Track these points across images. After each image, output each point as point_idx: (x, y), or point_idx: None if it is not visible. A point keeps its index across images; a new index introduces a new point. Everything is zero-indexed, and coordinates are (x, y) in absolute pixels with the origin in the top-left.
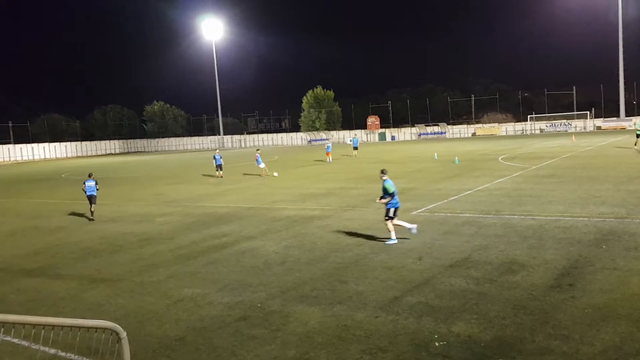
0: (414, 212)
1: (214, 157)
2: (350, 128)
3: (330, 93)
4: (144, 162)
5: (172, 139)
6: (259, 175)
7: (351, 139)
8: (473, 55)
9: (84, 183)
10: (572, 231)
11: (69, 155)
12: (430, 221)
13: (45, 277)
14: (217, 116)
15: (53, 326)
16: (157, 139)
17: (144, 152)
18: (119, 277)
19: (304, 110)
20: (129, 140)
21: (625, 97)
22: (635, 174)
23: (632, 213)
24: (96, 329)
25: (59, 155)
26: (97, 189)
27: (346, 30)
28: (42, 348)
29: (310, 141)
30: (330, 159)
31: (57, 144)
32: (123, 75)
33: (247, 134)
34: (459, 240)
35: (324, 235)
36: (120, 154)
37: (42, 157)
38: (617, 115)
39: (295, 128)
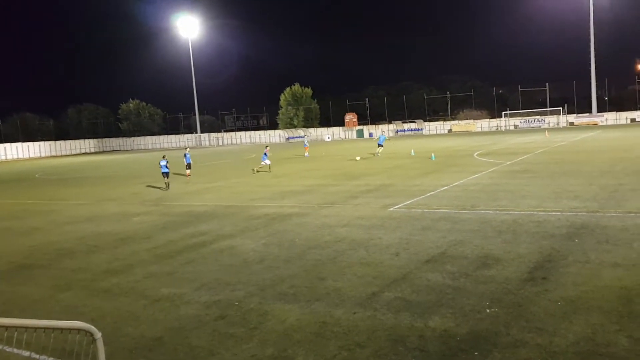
0: (392, 208)
1: (185, 155)
2: (328, 125)
3: (308, 90)
4: (120, 161)
5: (148, 138)
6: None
7: (378, 135)
8: (449, 53)
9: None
10: (545, 225)
11: (43, 154)
12: (407, 217)
13: (19, 279)
14: (194, 114)
15: (26, 328)
16: (132, 138)
17: (120, 151)
18: (95, 278)
19: (281, 107)
20: (104, 139)
21: (597, 94)
22: (606, 168)
23: (604, 207)
24: (70, 330)
25: (32, 155)
26: (167, 168)
27: (324, 27)
28: (15, 351)
29: (288, 138)
30: (307, 153)
31: (30, 143)
32: (98, 74)
33: (224, 131)
34: (436, 235)
35: (302, 233)
36: (95, 153)
37: (15, 157)
38: (589, 111)
39: (273, 125)
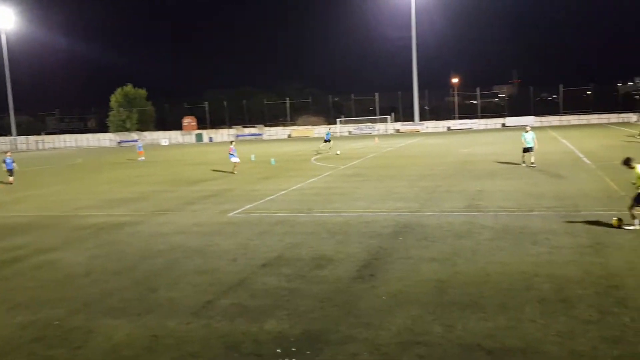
0: (231, 214)
1: (4, 161)
2: (165, 129)
3: (142, 92)
4: None
5: None
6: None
7: (326, 132)
8: (289, 62)
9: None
10: (373, 225)
11: None
12: (246, 222)
13: None
14: (9, 115)
15: None
16: None
17: None
18: None
19: (112, 109)
20: None
21: (419, 104)
22: (426, 172)
23: (424, 207)
24: None
25: None
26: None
27: (158, 28)
28: None
29: (120, 142)
30: (142, 157)
31: None
32: None
33: (45, 134)
34: (273, 239)
35: (134, 243)
36: None
37: None
38: (413, 119)
39: (103, 128)
